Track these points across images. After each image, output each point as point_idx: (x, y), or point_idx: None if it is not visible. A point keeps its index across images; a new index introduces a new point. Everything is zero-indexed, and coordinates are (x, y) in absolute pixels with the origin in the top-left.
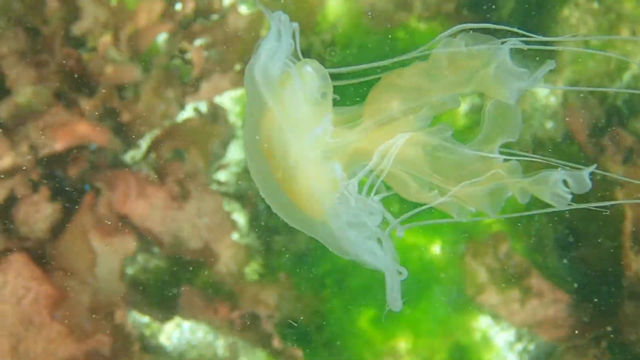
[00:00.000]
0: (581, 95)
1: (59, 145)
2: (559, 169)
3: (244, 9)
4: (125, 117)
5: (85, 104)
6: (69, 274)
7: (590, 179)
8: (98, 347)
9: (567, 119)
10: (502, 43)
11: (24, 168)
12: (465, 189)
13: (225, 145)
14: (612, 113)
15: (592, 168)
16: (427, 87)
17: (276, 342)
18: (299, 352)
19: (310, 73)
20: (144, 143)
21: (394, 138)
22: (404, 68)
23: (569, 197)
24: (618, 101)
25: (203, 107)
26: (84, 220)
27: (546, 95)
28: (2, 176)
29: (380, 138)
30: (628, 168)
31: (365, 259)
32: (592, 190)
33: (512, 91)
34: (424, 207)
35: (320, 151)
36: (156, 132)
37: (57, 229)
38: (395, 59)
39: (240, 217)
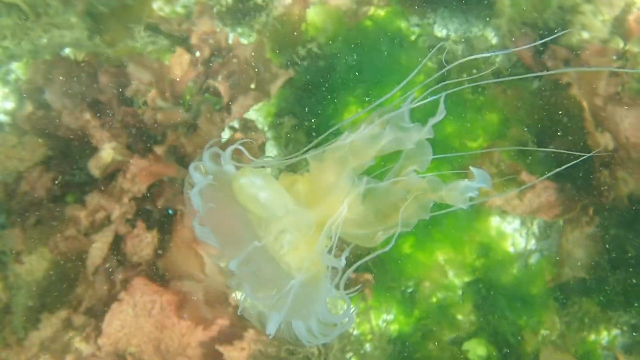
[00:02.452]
0: (522, 30)
1: (143, 186)
2: (466, 179)
3: (244, 41)
4: (188, 149)
5: (158, 149)
6: (182, 280)
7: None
8: (221, 329)
9: (514, 50)
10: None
11: (125, 212)
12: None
13: (262, 147)
14: (545, 36)
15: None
16: (352, 160)
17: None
18: (369, 276)
19: (244, 183)
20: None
21: (338, 210)
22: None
23: (476, 194)
24: (550, 24)
25: (236, 124)
26: (183, 234)
27: (491, 40)
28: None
29: (329, 212)
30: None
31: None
32: (549, 89)
33: (412, 142)
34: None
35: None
36: None
37: (159, 250)
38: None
39: None
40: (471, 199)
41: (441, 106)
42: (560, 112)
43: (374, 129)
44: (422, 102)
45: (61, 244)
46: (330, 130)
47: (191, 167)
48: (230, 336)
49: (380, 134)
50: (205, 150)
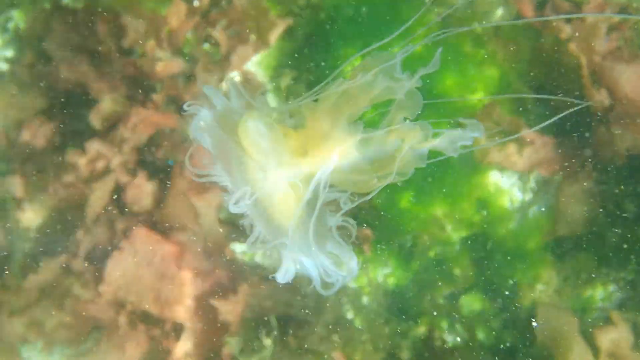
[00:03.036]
0: None
1: (144, 136)
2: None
3: None
4: (186, 99)
5: (157, 98)
6: (181, 231)
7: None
8: (219, 279)
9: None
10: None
11: (126, 162)
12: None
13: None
14: None
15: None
16: (345, 108)
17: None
18: (368, 231)
19: (251, 127)
20: None
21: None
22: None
23: (470, 142)
24: None
25: (236, 76)
26: (180, 186)
27: None
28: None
29: (322, 161)
30: (573, 25)
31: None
32: (549, 45)
33: (403, 91)
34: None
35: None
36: None
37: (159, 200)
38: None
39: None
40: (464, 147)
41: (436, 58)
42: (559, 69)
43: (367, 77)
44: (416, 46)
45: (61, 191)
46: (328, 80)
47: (205, 89)
48: (226, 289)
49: (372, 82)
50: (208, 87)
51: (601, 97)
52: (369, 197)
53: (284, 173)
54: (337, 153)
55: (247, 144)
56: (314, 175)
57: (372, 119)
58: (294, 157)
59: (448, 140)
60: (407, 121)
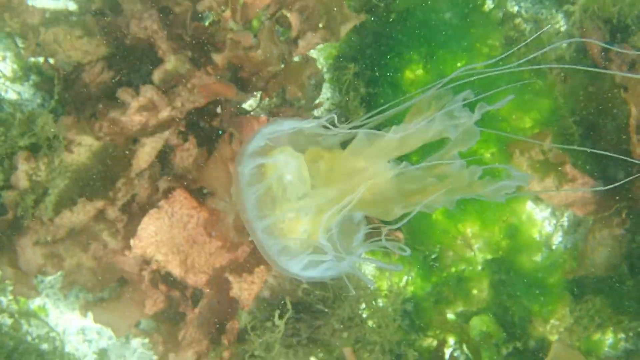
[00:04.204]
0: (594, 22)
1: (202, 100)
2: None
3: None
4: (246, 71)
5: (217, 59)
6: (216, 199)
7: None
8: (243, 255)
9: (582, 38)
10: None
11: (177, 120)
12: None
13: (319, 87)
14: (617, 31)
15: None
16: (394, 153)
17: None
18: (400, 234)
19: (283, 160)
20: (258, 93)
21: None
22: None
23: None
24: (628, 20)
25: (296, 59)
26: (224, 154)
27: (560, 21)
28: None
29: (349, 189)
30: (633, 72)
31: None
32: (607, 86)
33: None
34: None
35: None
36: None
37: (203, 166)
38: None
39: None
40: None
41: (504, 100)
42: (612, 111)
43: (422, 125)
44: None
45: (109, 136)
46: (387, 112)
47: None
48: (248, 266)
49: (429, 128)
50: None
51: None
52: (395, 226)
53: (299, 204)
54: (363, 187)
55: (271, 176)
56: (337, 200)
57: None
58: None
59: (494, 189)
60: (458, 162)
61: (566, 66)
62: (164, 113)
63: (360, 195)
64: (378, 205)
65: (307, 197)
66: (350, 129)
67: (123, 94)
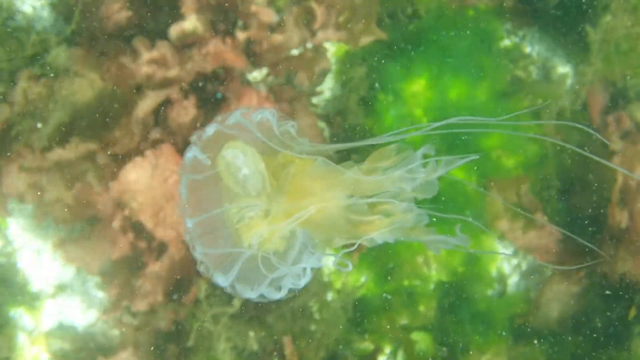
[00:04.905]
0: (601, 83)
1: (209, 67)
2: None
3: None
4: (262, 47)
5: (240, 37)
6: None
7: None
8: None
9: (587, 97)
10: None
11: (182, 83)
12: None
13: (323, 75)
14: (618, 97)
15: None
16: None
17: None
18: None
19: (225, 157)
20: (265, 68)
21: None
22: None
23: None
24: (630, 92)
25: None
26: None
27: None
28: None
29: (301, 205)
30: (624, 144)
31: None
32: (597, 147)
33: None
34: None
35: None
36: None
37: (197, 128)
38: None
39: (325, 133)
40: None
41: (467, 159)
42: (597, 173)
43: (380, 178)
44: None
45: (113, 70)
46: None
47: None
48: None
49: (385, 181)
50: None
51: (621, 218)
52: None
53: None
54: (313, 208)
55: (222, 172)
56: (288, 213)
57: None
58: (276, 191)
59: (431, 240)
60: (405, 204)
61: (561, 122)
62: (173, 72)
63: (310, 214)
64: (323, 229)
65: (265, 197)
66: (313, 149)
67: (139, 44)
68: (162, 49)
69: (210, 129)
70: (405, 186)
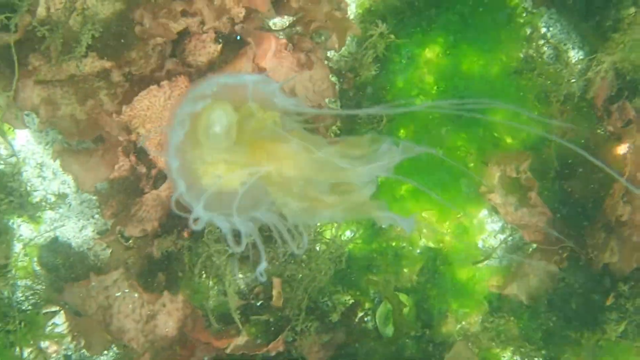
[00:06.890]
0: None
1: (236, 10)
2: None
3: None
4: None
5: None
6: None
7: None
8: None
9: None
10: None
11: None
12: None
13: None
14: (626, 88)
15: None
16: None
17: None
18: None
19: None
20: (290, 17)
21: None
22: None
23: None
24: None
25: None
26: (238, 64)
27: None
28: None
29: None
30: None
31: None
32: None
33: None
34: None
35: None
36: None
37: (213, 65)
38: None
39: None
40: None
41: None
42: (603, 161)
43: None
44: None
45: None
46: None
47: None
48: None
49: (350, 172)
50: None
51: (623, 212)
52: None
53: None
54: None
55: (200, 125)
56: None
57: None
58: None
59: (381, 217)
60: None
61: (561, 123)
62: (207, 25)
63: (263, 172)
64: (281, 189)
65: (226, 152)
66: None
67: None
68: (199, 4)
69: (205, 85)
70: (365, 179)
